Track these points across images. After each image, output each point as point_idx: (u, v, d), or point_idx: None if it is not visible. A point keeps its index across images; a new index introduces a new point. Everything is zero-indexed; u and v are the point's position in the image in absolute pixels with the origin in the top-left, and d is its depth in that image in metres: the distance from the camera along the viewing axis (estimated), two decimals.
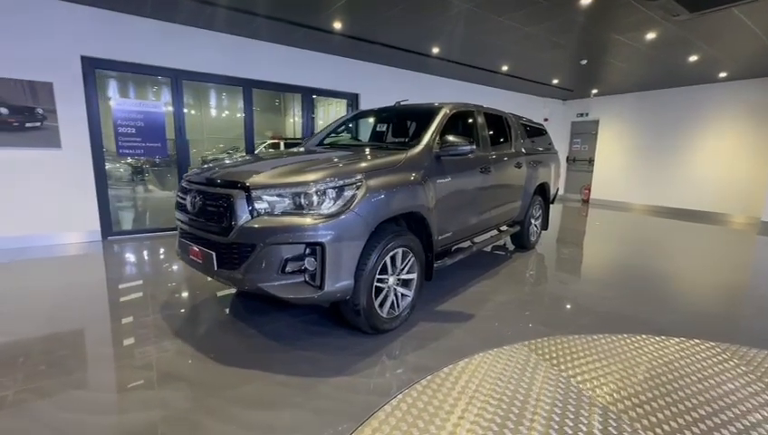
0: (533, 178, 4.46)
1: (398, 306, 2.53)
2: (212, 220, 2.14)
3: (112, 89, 6.01)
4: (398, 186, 2.36)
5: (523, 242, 4.68)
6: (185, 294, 3.10)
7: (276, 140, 8.27)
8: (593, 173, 10.05)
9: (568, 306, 3.03)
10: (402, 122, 3.90)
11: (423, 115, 3.17)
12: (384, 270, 2.38)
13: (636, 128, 9.19)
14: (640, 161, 9.16)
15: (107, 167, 4.95)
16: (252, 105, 5.80)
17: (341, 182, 2.08)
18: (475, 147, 2.81)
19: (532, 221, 4.74)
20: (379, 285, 2.35)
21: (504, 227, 4.39)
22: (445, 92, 7.65)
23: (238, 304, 2.93)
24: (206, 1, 4.25)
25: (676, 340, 2.49)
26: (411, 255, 2.55)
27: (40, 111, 4.29)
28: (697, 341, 2.49)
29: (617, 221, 7.42)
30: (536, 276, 3.75)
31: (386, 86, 6.87)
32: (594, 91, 9.11)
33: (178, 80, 5.14)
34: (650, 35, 4.94)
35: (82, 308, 2.81)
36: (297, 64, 5.93)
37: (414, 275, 2.62)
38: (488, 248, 4.79)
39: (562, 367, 2.14)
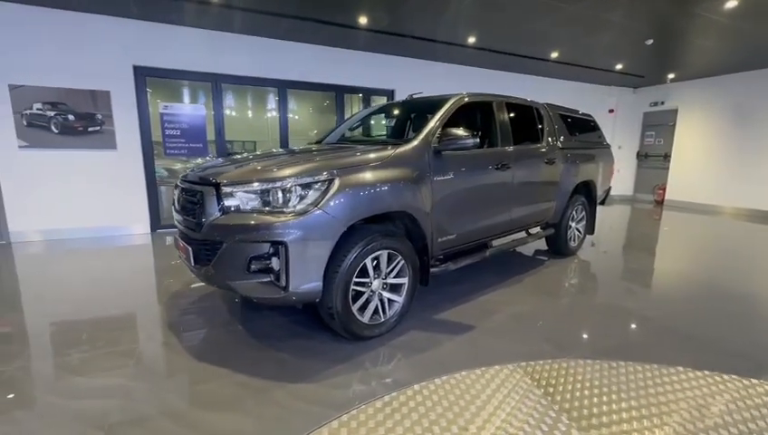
0: (572, 175, 3.96)
1: (383, 312, 2.37)
2: (189, 216, 2.18)
3: (162, 94, 6.58)
4: (380, 184, 2.19)
5: (559, 247, 4.18)
6: (195, 286, 3.24)
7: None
8: (669, 170, 8.75)
9: (592, 325, 2.60)
10: (422, 116, 3.69)
11: (431, 108, 2.94)
12: (365, 273, 2.23)
13: (724, 117, 7.80)
14: (730, 156, 7.75)
15: (177, 167, 5.47)
16: (286, 106, 5.97)
17: (309, 179, 1.98)
18: (477, 140, 2.53)
19: (572, 224, 4.21)
20: (358, 288, 2.21)
21: (534, 230, 3.96)
22: (487, 84, 7.17)
23: (241, 298, 2.98)
24: (239, 7, 4.43)
25: (723, 377, 1.99)
26: (399, 257, 2.36)
27: (99, 116, 4.83)
28: (755, 381, 1.96)
29: (695, 226, 6.35)
30: (566, 287, 3.31)
31: (422, 80, 6.62)
32: (671, 76, 7.90)
33: (218, 83, 5.45)
34: (730, 4, 4.09)
35: (86, 299, 3.07)
36: (329, 63, 5.97)
37: (404, 280, 2.43)
38: (529, 253, 4.36)
39: (558, 398, 1.81)
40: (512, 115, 3.35)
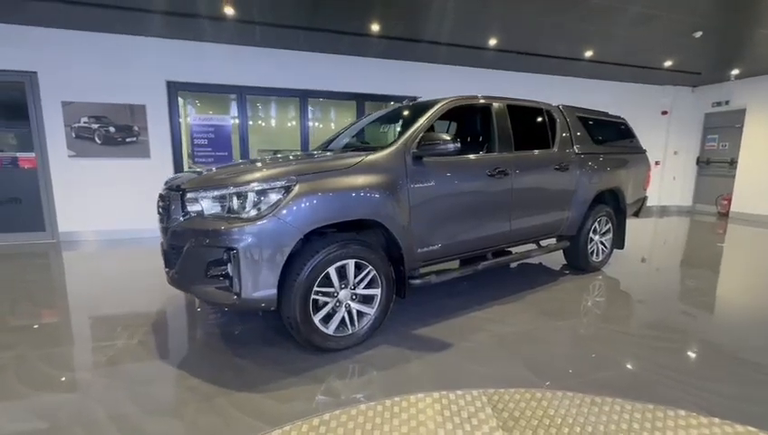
0: (591, 182, 3.59)
1: (351, 324, 2.28)
2: (162, 221, 2.26)
3: (208, 106, 7.05)
4: (343, 191, 2.12)
5: (578, 262, 3.81)
6: None
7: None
8: (735, 178, 7.70)
9: (588, 353, 2.30)
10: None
11: (420, 112, 2.82)
12: (329, 283, 2.16)
13: None
14: None
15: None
16: (307, 114, 6.12)
17: (264, 186, 1.96)
18: (458, 145, 2.37)
19: (594, 237, 3.81)
20: (321, 298, 2.15)
21: (545, 242, 3.64)
22: (517, 87, 6.80)
23: None
24: (257, 22, 4.64)
25: (736, 428, 1.64)
26: (370, 267, 2.26)
27: (136, 128, 5.28)
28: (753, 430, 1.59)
29: (765, 243, 5.49)
30: (571, 308, 2.97)
31: (445, 85, 6.43)
32: (734, 72, 6.98)
33: (242, 95, 5.73)
34: None
35: (98, 296, 3.29)
36: (349, 72, 6.03)
37: (376, 291, 2.33)
38: (556, 266, 4.02)
39: (516, 432, 1.60)
40: (515, 118, 3.11)
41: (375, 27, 4.81)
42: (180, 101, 6.04)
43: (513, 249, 3.37)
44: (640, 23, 4.56)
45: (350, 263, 2.20)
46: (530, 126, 3.34)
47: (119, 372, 2.04)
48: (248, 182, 1.97)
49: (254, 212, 1.94)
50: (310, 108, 6.90)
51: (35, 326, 2.60)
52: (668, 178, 8.63)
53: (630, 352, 2.29)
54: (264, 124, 8.75)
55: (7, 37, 4.66)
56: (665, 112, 8.34)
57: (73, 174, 5.14)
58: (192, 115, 5.68)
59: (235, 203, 1.96)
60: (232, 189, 1.96)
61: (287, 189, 1.98)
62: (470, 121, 3.38)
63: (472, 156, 2.79)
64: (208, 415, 1.70)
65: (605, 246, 3.97)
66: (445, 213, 2.58)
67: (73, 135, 5.07)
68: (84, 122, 5.08)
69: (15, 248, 4.82)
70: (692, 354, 2.30)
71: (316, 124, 9.47)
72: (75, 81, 4.97)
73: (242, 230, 1.88)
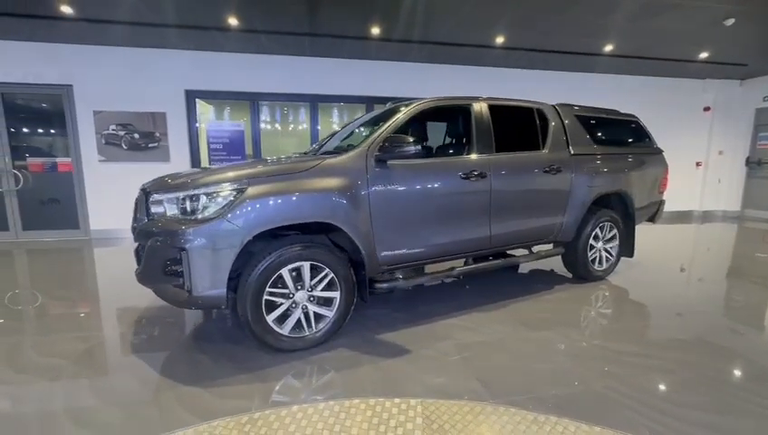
0: (590, 185, 3.37)
1: (308, 326, 2.30)
2: (133, 221, 2.42)
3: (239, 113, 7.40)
4: (296, 193, 2.14)
5: (577, 270, 3.58)
6: None
7: None
8: None
9: (552, 368, 2.15)
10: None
11: (391, 116, 2.78)
12: (284, 284, 2.20)
13: None
14: None
15: None
16: (317, 119, 6.25)
17: (214, 189, 2.03)
18: (420, 147, 2.32)
19: (595, 244, 3.56)
20: (275, 299, 2.19)
21: (537, 248, 3.45)
22: (533, 87, 6.52)
23: None
24: (261, 30, 4.83)
25: None
26: (327, 270, 2.28)
27: (157, 134, 5.67)
28: None
29: None
30: (555, 319, 2.79)
31: (453, 86, 6.32)
32: None
33: (255, 101, 5.97)
34: None
35: (106, 289, 3.56)
36: (357, 75, 6.09)
37: (335, 294, 2.34)
38: (569, 273, 3.79)
39: None
40: (499, 119, 2.99)
41: (377, 30, 4.83)
42: (210, 108, 6.41)
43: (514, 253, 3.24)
44: (661, 12, 4.21)
45: (305, 265, 2.22)
46: (517, 127, 3.19)
47: (91, 363, 2.20)
48: (202, 185, 2.06)
49: (205, 214, 2.02)
50: (331, 111, 7.08)
51: (40, 314, 2.87)
52: (712, 181, 7.87)
53: (601, 370, 2.11)
54: (291, 128, 9.04)
55: (47, 54, 5.19)
56: (707, 109, 7.62)
57: (103, 177, 5.62)
58: (209, 121, 5.99)
59: (189, 205, 2.05)
60: (188, 192, 2.06)
61: (239, 192, 2.05)
62: (450, 123, 3.30)
63: (442, 158, 2.73)
64: (150, 407, 1.79)
65: (610, 254, 3.70)
66: (411, 217, 2.53)
67: (103, 141, 5.54)
68: (112, 130, 5.53)
69: (52, 245, 5.34)
70: (670, 377, 2.08)
71: (338, 127, 9.55)
72: (105, 92, 5.43)
73: (192, 231, 1.96)
